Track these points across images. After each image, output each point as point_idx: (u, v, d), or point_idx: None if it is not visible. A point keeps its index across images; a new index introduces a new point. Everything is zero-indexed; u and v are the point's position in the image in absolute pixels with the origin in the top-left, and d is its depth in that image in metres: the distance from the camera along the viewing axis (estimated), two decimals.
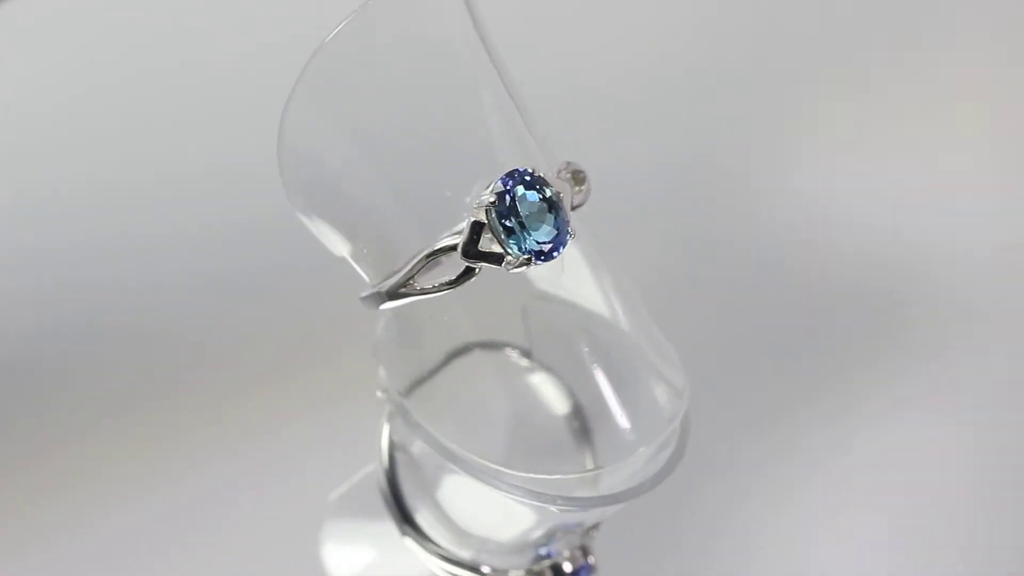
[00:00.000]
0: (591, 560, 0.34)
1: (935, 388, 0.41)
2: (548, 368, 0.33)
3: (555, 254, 0.26)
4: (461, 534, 0.34)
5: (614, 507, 0.31)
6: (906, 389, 0.41)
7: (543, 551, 0.34)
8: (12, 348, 0.41)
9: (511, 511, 0.34)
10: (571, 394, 0.32)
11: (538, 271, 0.27)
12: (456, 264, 0.27)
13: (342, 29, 0.26)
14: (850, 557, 0.37)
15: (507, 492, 0.30)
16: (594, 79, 0.51)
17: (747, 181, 0.49)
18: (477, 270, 0.26)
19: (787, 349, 0.42)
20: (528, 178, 0.26)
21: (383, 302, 0.29)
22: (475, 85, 0.29)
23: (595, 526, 0.34)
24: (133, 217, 0.45)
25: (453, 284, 0.27)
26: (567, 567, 0.33)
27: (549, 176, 0.27)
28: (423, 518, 0.34)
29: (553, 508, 0.31)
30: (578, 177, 0.29)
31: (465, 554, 0.34)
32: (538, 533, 0.34)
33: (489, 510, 0.35)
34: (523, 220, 0.26)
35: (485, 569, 0.33)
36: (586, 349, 0.31)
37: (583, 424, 0.32)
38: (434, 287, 0.27)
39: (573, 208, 0.28)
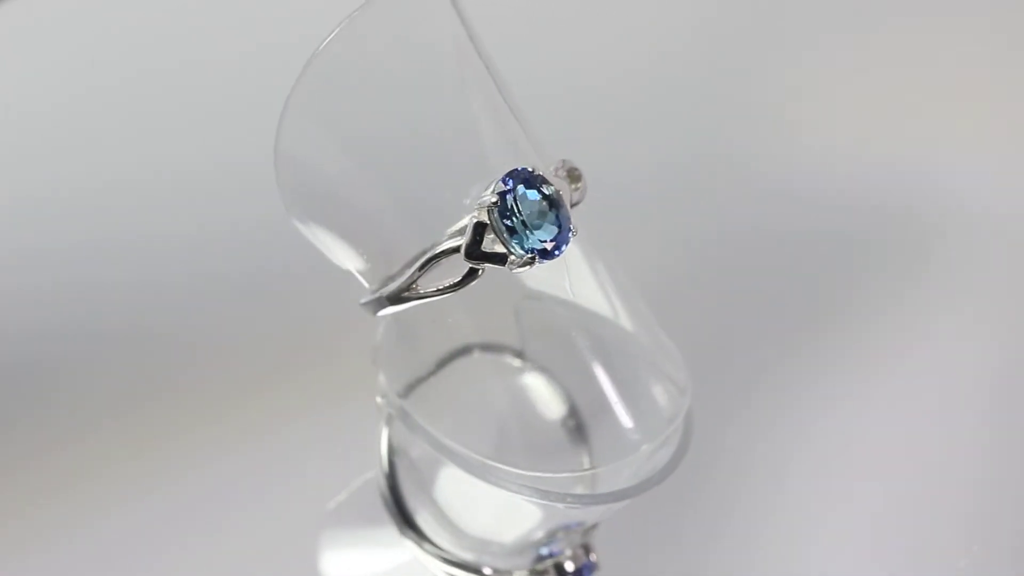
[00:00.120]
0: (593, 558, 0.34)
1: (939, 388, 0.41)
2: (542, 368, 0.33)
3: (557, 252, 0.26)
4: (462, 536, 0.34)
5: (620, 503, 0.31)
6: (910, 387, 0.41)
7: (545, 551, 0.34)
8: (12, 348, 0.41)
9: (512, 512, 0.34)
10: (566, 393, 0.33)
11: (531, 271, 0.27)
12: (453, 266, 0.27)
13: (333, 38, 0.26)
14: (851, 557, 0.37)
15: (516, 492, 0.30)
16: (594, 79, 0.51)
17: (747, 181, 0.49)
18: (480, 271, 0.26)
19: (787, 349, 0.42)
20: (529, 177, 0.26)
21: (384, 307, 0.29)
22: (468, 88, 0.29)
23: (594, 525, 0.34)
24: (133, 217, 0.45)
25: (457, 286, 0.27)
26: (569, 566, 0.33)
27: (548, 174, 0.27)
28: (424, 521, 0.34)
29: (561, 506, 0.31)
30: (573, 175, 0.29)
31: (467, 556, 0.34)
32: (540, 534, 0.34)
33: (490, 511, 0.35)
34: (525, 219, 0.26)
35: (487, 571, 0.33)
36: (582, 348, 0.31)
37: (579, 423, 0.32)
38: (438, 290, 0.27)
39: (571, 206, 0.28)
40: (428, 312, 0.29)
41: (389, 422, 0.36)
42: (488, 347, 0.34)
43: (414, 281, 0.27)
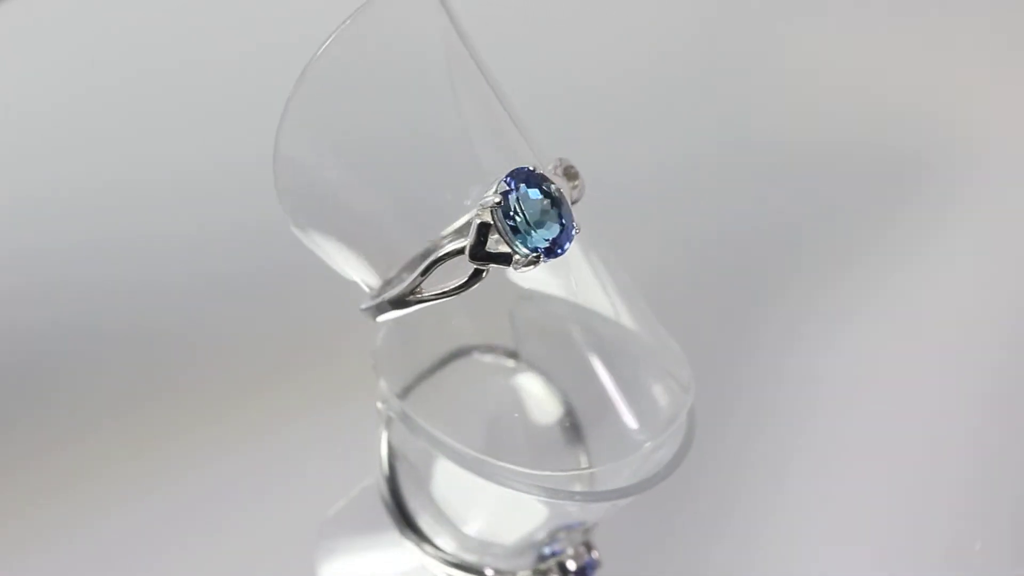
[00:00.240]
0: (595, 555, 0.34)
1: (940, 389, 0.41)
2: (537, 368, 0.33)
3: (561, 251, 0.26)
4: (464, 538, 0.34)
5: (625, 500, 0.31)
6: (911, 388, 0.41)
7: (547, 550, 0.34)
8: (12, 348, 0.40)
9: (514, 513, 0.35)
10: (562, 393, 0.33)
11: (531, 271, 0.27)
12: (453, 268, 0.27)
13: (327, 45, 0.26)
14: (851, 555, 0.37)
15: (525, 491, 0.30)
16: (593, 79, 0.51)
17: (747, 181, 0.49)
18: (485, 272, 0.26)
19: (788, 348, 0.42)
20: (530, 176, 0.26)
21: (386, 311, 0.29)
22: (463, 90, 0.29)
23: (594, 524, 0.34)
24: (133, 217, 0.45)
25: (462, 288, 0.27)
26: (572, 564, 0.34)
27: (548, 173, 0.27)
28: (425, 523, 0.34)
29: (567, 503, 0.31)
30: (570, 173, 0.29)
31: (469, 558, 0.34)
32: (542, 534, 0.34)
33: (492, 513, 0.35)
34: (528, 218, 0.26)
35: (489, 572, 0.33)
36: (579, 347, 0.31)
37: (575, 423, 0.32)
38: (443, 292, 0.27)
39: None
40: (428, 315, 0.29)
41: (388, 425, 0.36)
42: (484, 348, 0.34)
43: (418, 285, 0.27)
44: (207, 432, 0.39)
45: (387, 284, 0.29)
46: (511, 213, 0.26)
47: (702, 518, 0.37)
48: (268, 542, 0.37)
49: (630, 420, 0.31)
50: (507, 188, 0.26)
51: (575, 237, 0.27)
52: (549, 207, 0.26)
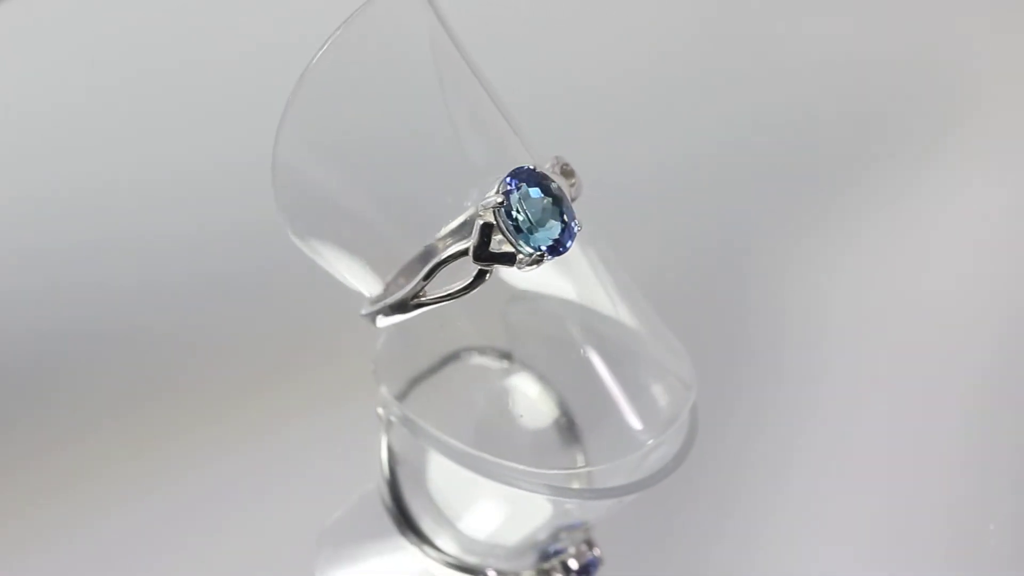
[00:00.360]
0: (596, 552, 0.34)
1: (940, 390, 0.41)
2: (532, 367, 0.33)
3: (563, 249, 0.26)
4: (466, 540, 0.34)
5: (630, 496, 0.31)
6: (911, 388, 0.41)
7: (549, 550, 0.34)
8: (12, 348, 0.40)
9: (516, 514, 0.35)
10: (557, 392, 0.33)
11: (520, 272, 0.27)
12: (453, 270, 0.27)
13: (320, 56, 0.27)
14: (852, 554, 0.37)
15: (530, 490, 0.30)
16: (594, 79, 0.51)
17: (747, 180, 0.49)
18: (489, 273, 0.26)
19: (788, 348, 0.42)
20: (531, 175, 0.26)
21: (390, 315, 0.29)
22: (458, 93, 0.29)
23: (596, 523, 0.35)
24: (133, 217, 0.45)
25: (467, 289, 0.27)
26: (574, 563, 0.34)
27: (548, 172, 0.27)
28: (427, 526, 0.34)
29: (572, 500, 0.31)
30: (566, 171, 0.29)
31: (472, 560, 0.34)
32: (544, 534, 0.34)
33: (494, 514, 0.35)
34: (531, 217, 0.26)
35: (492, 574, 0.33)
36: (575, 346, 0.31)
37: (571, 421, 0.32)
38: (447, 295, 0.27)
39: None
40: (428, 318, 0.29)
41: (388, 429, 0.36)
42: (480, 349, 0.34)
43: (421, 289, 0.27)
44: (207, 432, 0.39)
45: (389, 288, 0.29)
46: (513, 213, 0.26)
47: (703, 516, 0.37)
48: (268, 543, 0.37)
49: (629, 419, 0.31)
50: (508, 188, 0.26)
51: (576, 235, 0.27)
52: (551, 205, 0.26)
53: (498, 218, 0.26)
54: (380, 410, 0.35)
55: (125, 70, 0.48)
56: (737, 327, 0.43)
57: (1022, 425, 0.40)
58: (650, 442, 0.31)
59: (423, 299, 0.28)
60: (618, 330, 0.32)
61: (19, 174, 0.45)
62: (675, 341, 0.32)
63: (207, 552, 0.37)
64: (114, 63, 0.48)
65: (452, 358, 0.34)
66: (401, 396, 0.33)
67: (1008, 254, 0.46)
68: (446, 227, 0.27)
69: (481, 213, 0.26)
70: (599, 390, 0.31)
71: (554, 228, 0.26)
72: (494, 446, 0.32)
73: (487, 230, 0.26)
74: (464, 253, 0.26)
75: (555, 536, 0.34)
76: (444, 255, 0.27)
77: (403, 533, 0.34)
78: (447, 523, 0.35)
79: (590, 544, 0.34)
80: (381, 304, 0.29)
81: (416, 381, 0.34)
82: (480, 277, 0.26)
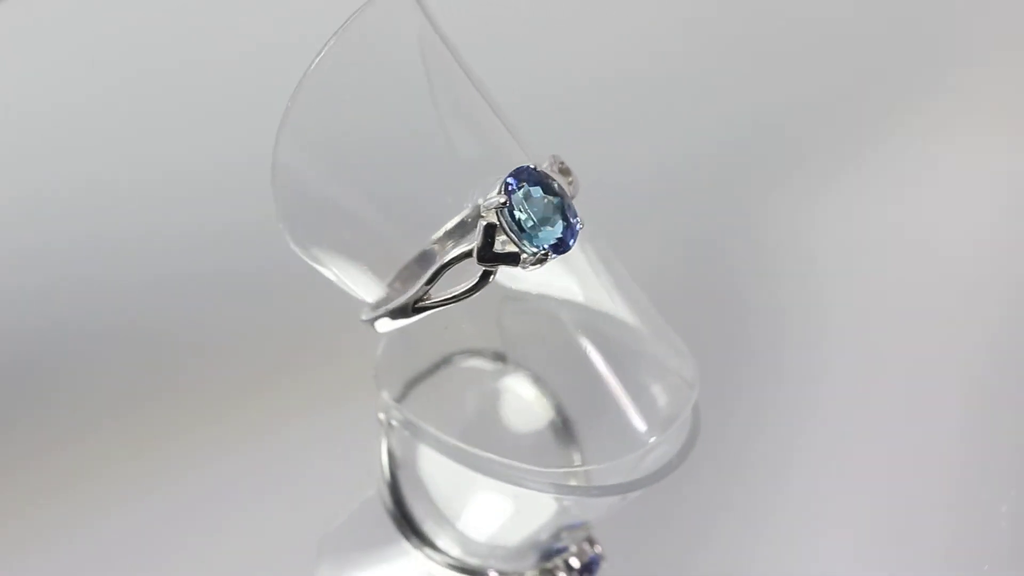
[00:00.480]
0: (598, 549, 0.34)
1: (941, 390, 0.41)
2: (527, 368, 0.33)
3: (565, 248, 0.26)
4: (468, 541, 0.34)
5: (634, 493, 0.31)
6: (912, 388, 0.41)
7: (552, 548, 0.34)
8: (12, 348, 0.40)
9: (517, 514, 0.35)
10: (553, 392, 0.33)
11: (515, 272, 0.27)
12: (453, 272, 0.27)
13: (318, 62, 0.27)
14: (852, 553, 0.37)
15: (539, 490, 0.30)
16: (591, 77, 0.51)
17: (747, 181, 0.49)
18: (494, 274, 0.26)
19: (788, 348, 0.42)
20: (532, 175, 0.26)
21: (396, 318, 0.29)
22: (454, 95, 0.29)
23: (597, 521, 0.35)
24: (134, 217, 0.45)
25: (472, 291, 0.27)
26: (576, 561, 0.34)
27: (548, 170, 0.27)
28: (428, 528, 0.34)
29: (576, 501, 0.31)
30: (563, 170, 0.29)
31: (474, 561, 0.34)
32: (545, 534, 0.34)
33: (495, 515, 0.35)
34: (534, 216, 0.26)
35: (494, 574, 0.33)
36: (573, 346, 0.31)
37: (566, 421, 0.32)
38: (452, 297, 0.27)
39: None
40: (429, 322, 0.29)
41: (388, 432, 0.36)
42: (475, 351, 0.34)
43: (424, 293, 0.27)
44: (207, 432, 0.39)
45: (387, 294, 0.29)
46: (516, 213, 0.26)
47: (704, 514, 0.37)
48: (269, 544, 0.37)
49: (628, 418, 0.31)
50: (511, 188, 0.26)
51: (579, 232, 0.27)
52: (553, 204, 0.26)
53: (501, 218, 0.26)
54: (381, 415, 0.35)
55: (125, 70, 0.48)
56: (737, 327, 0.43)
57: (1022, 425, 0.40)
58: (651, 440, 0.31)
59: (426, 303, 0.27)
60: (618, 328, 0.32)
61: (19, 174, 0.45)
62: (677, 339, 0.32)
63: (207, 553, 0.37)
64: (114, 63, 0.48)
65: (447, 361, 0.34)
66: (399, 399, 0.34)
67: (1010, 252, 0.46)
68: (441, 229, 0.27)
69: (484, 214, 0.26)
70: (596, 388, 0.31)
71: (557, 227, 0.26)
72: (490, 447, 0.32)
73: (491, 231, 0.26)
74: (468, 255, 0.26)
75: (556, 536, 0.34)
76: (447, 258, 0.26)
77: (405, 536, 0.34)
78: (448, 525, 0.35)
79: (591, 542, 0.34)
80: (383, 309, 0.29)
81: (413, 383, 0.34)
82: (485, 278, 0.26)
